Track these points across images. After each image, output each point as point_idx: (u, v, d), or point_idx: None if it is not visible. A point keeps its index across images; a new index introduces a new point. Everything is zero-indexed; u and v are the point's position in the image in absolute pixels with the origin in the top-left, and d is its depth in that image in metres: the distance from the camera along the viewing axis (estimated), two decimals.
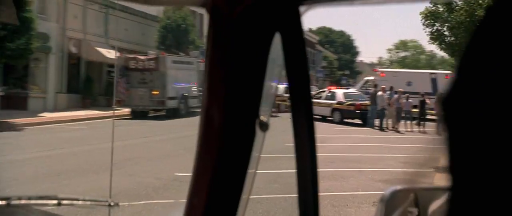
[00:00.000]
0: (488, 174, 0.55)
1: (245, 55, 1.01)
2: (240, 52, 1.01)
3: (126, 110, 25.84)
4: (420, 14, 30.43)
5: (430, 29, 30.45)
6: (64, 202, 1.87)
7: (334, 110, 27.45)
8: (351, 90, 30.61)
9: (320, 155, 1.19)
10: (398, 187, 1.74)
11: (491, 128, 0.55)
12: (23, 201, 1.86)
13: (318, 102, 28.46)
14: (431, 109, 25.82)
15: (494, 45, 0.56)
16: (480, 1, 24.96)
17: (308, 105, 1.19)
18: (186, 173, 9.57)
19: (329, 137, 20.10)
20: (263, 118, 1.06)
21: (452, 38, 29.16)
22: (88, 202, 2.03)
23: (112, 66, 30.94)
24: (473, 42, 0.58)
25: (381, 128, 25.19)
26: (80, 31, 29.73)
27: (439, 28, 30.12)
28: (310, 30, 73.18)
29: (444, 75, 31.56)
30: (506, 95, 0.54)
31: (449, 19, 29.00)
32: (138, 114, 25.65)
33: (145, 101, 26.37)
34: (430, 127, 25.24)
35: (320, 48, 70.81)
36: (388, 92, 25.47)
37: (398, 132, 24.74)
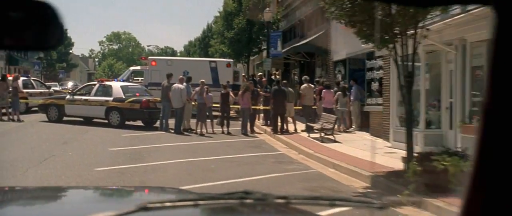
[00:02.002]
0: None
1: None
2: None
3: None
4: None
5: None
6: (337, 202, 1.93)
7: (110, 109, 20.42)
8: (129, 83, 23.77)
9: None
10: None
11: None
12: (300, 201, 1.92)
13: (85, 100, 20.96)
14: (235, 103, 21.02)
15: None
16: None
17: None
18: None
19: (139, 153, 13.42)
20: None
21: None
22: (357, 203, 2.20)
23: None
24: None
25: (178, 131, 19.36)
26: None
27: None
28: None
29: (226, 63, 27.20)
30: None
31: None
32: None
33: None
34: (235, 127, 20.48)
35: None
36: (185, 84, 19.74)
37: (203, 135, 19.29)
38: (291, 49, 26.32)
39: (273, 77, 30.75)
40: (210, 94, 20.15)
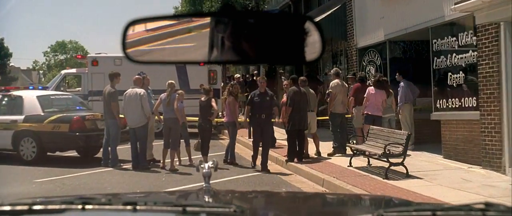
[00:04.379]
0: None
1: None
2: None
3: None
4: None
5: None
6: (189, 209, 1.83)
7: (20, 135, 12.55)
8: (55, 93, 15.70)
9: None
10: None
11: None
12: (148, 207, 1.85)
13: None
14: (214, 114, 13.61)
15: None
16: None
17: None
18: None
19: None
20: None
21: None
22: (214, 209, 1.99)
23: None
24: None
25: (141, 165, 11.86)
26: None
27: None
28: None
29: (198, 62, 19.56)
30: None
31: None
32: None
33: None
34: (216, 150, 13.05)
35: None
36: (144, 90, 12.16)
37: (175, 170, 11.81)
38: None
39: (255, 78, 23.47)
40: (182, 103, 12.62)
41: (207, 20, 1.90)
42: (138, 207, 1.83)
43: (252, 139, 12.80)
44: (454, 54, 11.28)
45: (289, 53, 1.74)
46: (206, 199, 2.54)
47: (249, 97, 12.21)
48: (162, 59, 2.18)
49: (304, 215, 2.45)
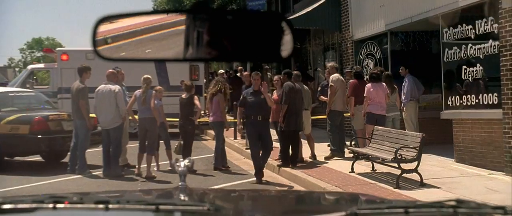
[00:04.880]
0: None
1: None
2: None
3: None
4: None
5: None
6: (162, 207, 1.81)
7: None
8: (15, 89, 13.98)
9: None
10: None
11: None
12: (121, 205, 1.84)
13: None
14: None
15: None
16: None
17: None
18: None
19: None
20: None
21: None
22: (187, 207, 1.99)
23: None
24: None
25: (113, 171, 10.38)
26: None
27: None
28: None
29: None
30: None
31: None
32: None
33: None
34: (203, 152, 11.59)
35: None
36: (118, 87, 10.63)
37: (153, 178, 10.33)
38: None
39: (239, 74, 22.09)
40: (160, 101, 11.13)
41: (181, 17, 1.93)
42: (110, 206, 1.80)
43: (249, 148, 10.82)
44: (470, 45, 9.93)
45: (262, 51, 1.79)
46: (181, 198, 2.53)
47: (241, 97, 10.51)
48: (135, 56, 2.13)
49: (278, 212, 2.46)
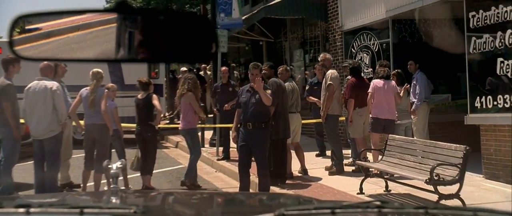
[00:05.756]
0: None
1: None
2: None
3: None
4: None
5: None
6: (87, 210, 1.76)
7: None
8: None
9: None
10: None
11: None
12: (43, 209, 1.80)
13: None
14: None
15: None
16: None
17: None
18: None
19: None
20: None
21: None
22: (113, 210, 1.95)
23: None
24: None
25: (50, 189, 7.79)
26: None
27: None
28: None
29: None
30: None
31: None
32: None
33: None
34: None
35: None
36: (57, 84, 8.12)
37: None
38: (261, 12, 14.54)
39: (202, 73, 19.70)
40: (113, 101, 8.69)
41: (103, 17, 1.87)
42: (31, 210, 1.72)
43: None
44: (509, 31, 7.88)
45: (183, 51, 1.75)
46: (111, 200, 2.44)
47: (237, 97, 8.07)
48: (55, 56, 2.06)
49: (206, 214, 2.42)
